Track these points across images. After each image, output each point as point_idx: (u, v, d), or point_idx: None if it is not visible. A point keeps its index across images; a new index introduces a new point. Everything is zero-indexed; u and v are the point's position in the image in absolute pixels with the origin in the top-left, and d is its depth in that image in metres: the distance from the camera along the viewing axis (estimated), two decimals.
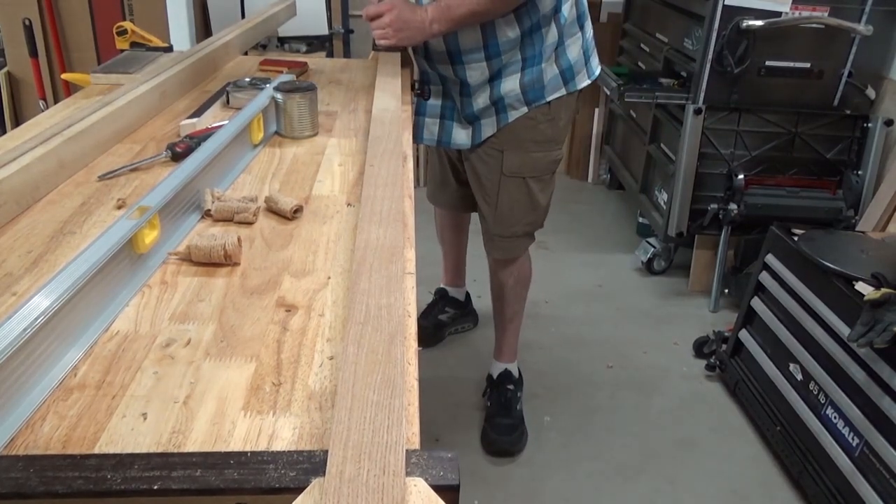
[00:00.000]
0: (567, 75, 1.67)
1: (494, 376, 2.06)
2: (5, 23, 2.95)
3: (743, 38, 2.31)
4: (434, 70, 1.70)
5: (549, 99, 1.66)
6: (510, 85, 1.65)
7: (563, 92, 1.68)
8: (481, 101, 1.67)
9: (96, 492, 0.51)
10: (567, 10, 1.62)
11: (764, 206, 2.44)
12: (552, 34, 1.61)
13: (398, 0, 1.51)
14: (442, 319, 2.39)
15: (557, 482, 1.82)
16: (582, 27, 1.67)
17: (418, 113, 1.77)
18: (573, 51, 1.67)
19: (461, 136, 1.76)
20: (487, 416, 2.01)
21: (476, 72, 1.64)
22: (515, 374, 2.07)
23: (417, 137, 1.78)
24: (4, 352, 0.58)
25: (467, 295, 2.44)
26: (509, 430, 1.96)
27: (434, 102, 1.76)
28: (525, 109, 1.66)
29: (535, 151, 1.72)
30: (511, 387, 2.04)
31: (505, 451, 1.94)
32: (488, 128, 1.71)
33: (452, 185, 2.05)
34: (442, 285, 2.41)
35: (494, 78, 1.65)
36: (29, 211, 0.97)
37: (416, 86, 1.76)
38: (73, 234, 0.91)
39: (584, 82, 1.72)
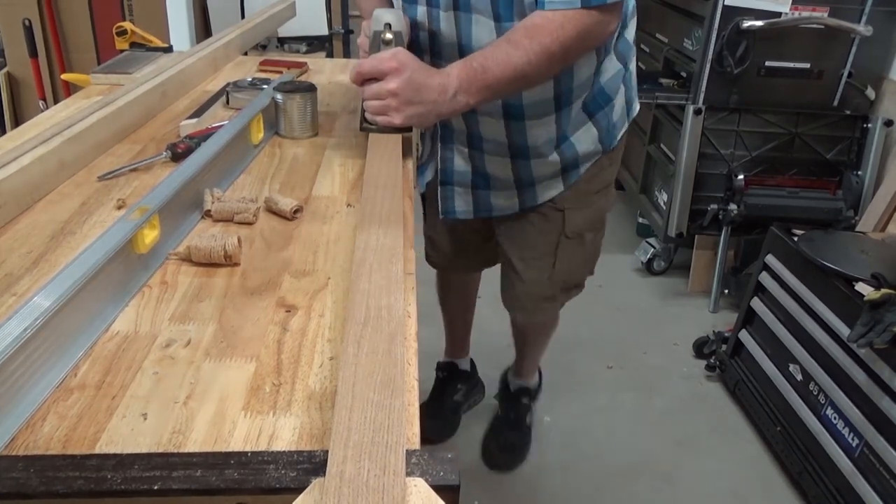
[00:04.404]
0: (629, 105, 1.38)
1: (511, 388, 1.94)
2: (5, 23, 2.95)
3: (743, 38, 2.31)
4: (468, 125, 1.28)
5: (619, 137, 1.37)
6: (587, 141, 1.30)
7: (626, 126, 1.39)
8: (545, 166, 1.31)
9: (96, 492, 0.51)
10: (630, 32, 1.29)
11: (764, 206, 2.44)
12: (614, 65, 1.29)
13: (408, 56, 1.03)
14: (457, 400, 2.04)
15: (557, 482, 1.82)
16: (633, 45, 1.37)
17: (445, 183, 1.39)
18: (632, 77, 1.37)
19: (504, 203, 1.40)
20: (495, 424, 1.91)
21: (542, 130, 1.24)
22: (534, 386, 1.96)
23: (448, 210, 1.42)
24: (4, 352, 0.58)
25: (472, 362, 2.13)
26: (513, 447, 1.87)
27: (461, 169, 1.37)
28: (598, 157, 1.35)
29: (598, 202, 1.43)
30: (526, 400, 1.93)
31: (502, 468, 1.85)
32: (551, 189, 1.36)
33: (472, 247, 1.66)
34: (448, 359, 2.07)
35: (562, 139, 1.28)
36: (29, 211, 0.97)
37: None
38: (73, 235, 0.91)
39: (637, 107, 1.42)
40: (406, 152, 1.11)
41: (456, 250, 1.67)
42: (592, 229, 1.46)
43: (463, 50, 1.15)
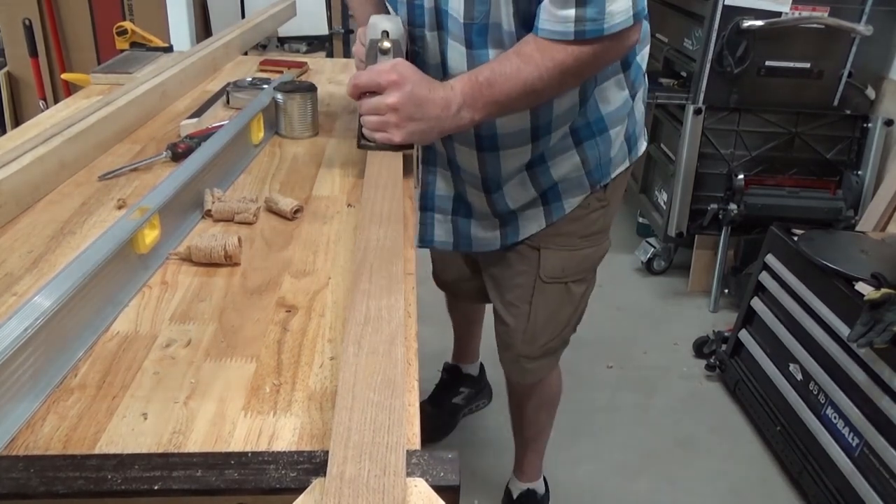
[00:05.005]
0: (631, 141, 1.24)
1: (514, 496, 1.71)
2: (5, 23, 2.96)
3: (743, 38, 2.31)
4: (446, 150, 1.22)
5: (613, 176, 1.22)
6: (565, 167, 1.18)
7: (626, 164, 1.24)
8: (519, 195, 1.22)
9: (97, 492, 0.51)
10: (643, 58, 1.20)
11: (764, 206, 2.44)
12: (621, 95, 1.17)
13: (408, 68, 0.97)
14: (457, 403, 1.99)
15: (558, 482, 1.82)
16: (644, 74, 1.25)
17: (425, 208, 1.30)
18: (639, 107, 1.25)
19: (485, 235, 1.29)
20: None
21: (514, 160, 1.16)
22: (541, 490, 1.73)
23: (426, 238, 1.33)
24: (4, 352, 0.58)
25: (481, 367, 2.06)
26: None
27: (444, 193, 1.28)
28: (588, 192, 1.22)
29: (584, 248, 1.28)
30: None
31: None
32: (532, 223, 1.25)
33: (467, 275, 1.57)
34: (454, 362, 2.01)
35: (537, 162, 1.17)
36: (29, 211, 0.97)
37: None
38: (73, 235, 0.91)
39: (643, 146, 1.29)
40: (406, 171, 1.05)
41: (452, 278, 1.61)
42: (577, 280, 1.31)
43: (447, 72, 1.08)
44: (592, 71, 1.03)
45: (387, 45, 1.02)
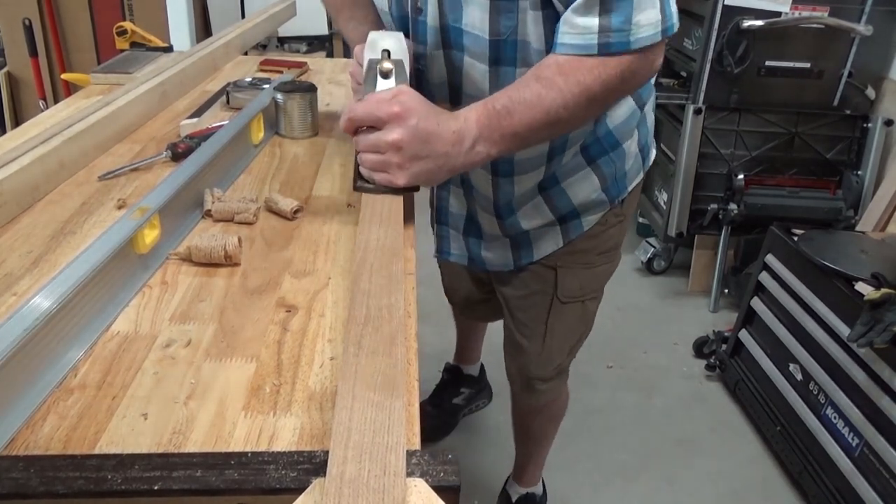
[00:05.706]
0: (644, 151, 1.19)
1: (513, 500, 1.69)
2: (5, 23, 2.96)
3: (743, 38, 2.31)
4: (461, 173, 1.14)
5: (630, 189, 1.18)
6: (584, 190, 1.13)
7: (640, 176, 1.20)
8: (534, 219, 1.17)
9: (97, 492, 0.51)
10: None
11: (764, 206, 2.45)
12: (628, 107, 1.10)
13: (413, 98, 0.84)
14: (457, 403, 2.00)
15: (557, 482, 1.82)
16: (653, 85, 1.19)
17: (440, 222, 1.27)
18: (650, 117, 1.19)
19: (496, 257, 1.24)
20: None
21: (527, 182, 1.12)
22: (539, 492, 1.72)
23: (444, 251, 1.29)
24: (4, 352, 0.58)
25: (481, 367, 2.06)
26: None
27: (456, 211, 1.24)
28: (607, 208, 1.17)
29: (601, 264, 1.24)
30: None
31: None
32: (548, 242, 1.19)
33: (477, 296, 1.55)
34: (455, 363, 2.02)
35: (550, 184, 1.13)
36: (29, 211, 0.97)
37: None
38: (73, 235, 0.91)
39: (653, 154, 1.24)
40: (407, 216, 0.90)
41: (462, 298, 1.61)
42: (593, 297, 1.29)
43: (458, 94, 1.02)
44: (618, 96, 0.97)
45: (388, 66, 0.89)
